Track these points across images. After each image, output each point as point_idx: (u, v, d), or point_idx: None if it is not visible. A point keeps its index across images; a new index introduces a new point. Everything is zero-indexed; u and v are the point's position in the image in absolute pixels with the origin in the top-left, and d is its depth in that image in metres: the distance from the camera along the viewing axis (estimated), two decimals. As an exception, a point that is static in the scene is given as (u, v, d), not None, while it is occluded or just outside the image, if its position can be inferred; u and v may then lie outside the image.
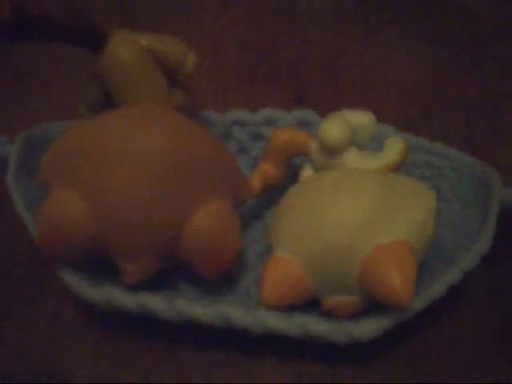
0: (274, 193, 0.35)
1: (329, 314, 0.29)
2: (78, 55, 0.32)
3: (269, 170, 0.34)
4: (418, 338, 0.30)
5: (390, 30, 0.49)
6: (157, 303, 0.28)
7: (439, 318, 0.31)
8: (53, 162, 0.30)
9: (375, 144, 0.34)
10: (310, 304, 0.29)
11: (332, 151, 0.32)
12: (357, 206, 0.28)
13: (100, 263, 0.30)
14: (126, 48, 0.32)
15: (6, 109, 0.43)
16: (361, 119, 0.32)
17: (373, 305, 0.28)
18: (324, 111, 0.36)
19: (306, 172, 0.33)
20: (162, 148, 0.29)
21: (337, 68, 0.46)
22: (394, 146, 0.31)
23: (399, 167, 0.31)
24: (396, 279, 0.26)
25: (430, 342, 0.31)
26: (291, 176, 0.35)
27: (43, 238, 0.29)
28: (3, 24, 0.29)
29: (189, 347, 0.31)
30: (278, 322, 0.28)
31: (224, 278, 0.31)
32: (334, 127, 0.31)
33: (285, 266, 0.29)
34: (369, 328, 0.27)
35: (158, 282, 0.31)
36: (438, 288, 0.28)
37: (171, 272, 0.31)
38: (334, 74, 0.46)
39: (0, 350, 0.31)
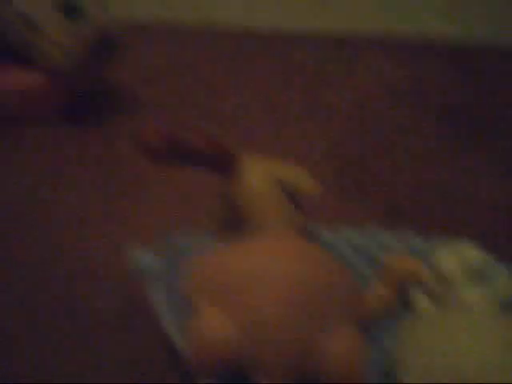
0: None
1: None
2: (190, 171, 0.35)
3: (383, 293, 0.36)
4: None
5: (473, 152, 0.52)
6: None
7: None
8: (198, 280, 0.33)
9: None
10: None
11: (447, 283, 0.34)
12: (495, 348, 0.30)
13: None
14: (258, 177, 0.35)
15: (131, 218, 0.46)
16: (474, 254, 0.35)
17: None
18: (414, 226, 0.39)
19: (423, 301, 0.35)
20: (297, 273, 0.32)
21: (426, 186, 0.49)
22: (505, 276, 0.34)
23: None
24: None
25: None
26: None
27: (197, 356, 0.31)
28: (155, 149, 0.33)
29: None
30: None
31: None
32: (450, 260, 0.34)
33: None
34: None
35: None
36: None
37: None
38: (423, 191, 0.48)
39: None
